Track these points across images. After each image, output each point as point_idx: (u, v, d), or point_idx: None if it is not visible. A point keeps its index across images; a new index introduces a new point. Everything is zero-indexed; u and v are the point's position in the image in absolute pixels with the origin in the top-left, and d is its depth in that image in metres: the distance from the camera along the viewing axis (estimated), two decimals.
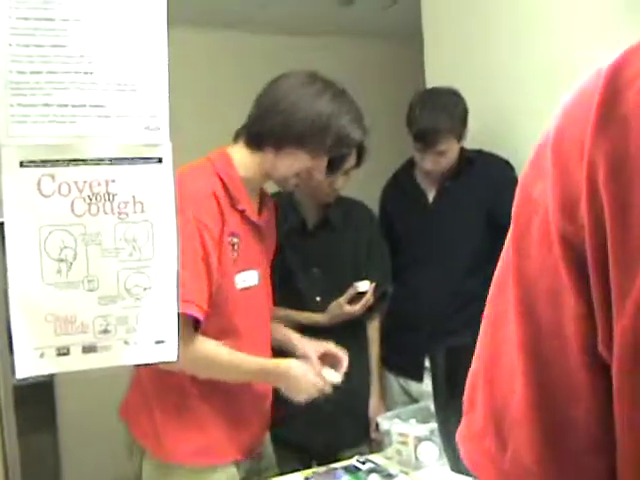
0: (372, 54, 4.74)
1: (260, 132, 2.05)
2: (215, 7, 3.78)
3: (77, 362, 1.52)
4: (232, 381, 2.06)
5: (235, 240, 2.04)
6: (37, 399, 1.44)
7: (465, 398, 0.72)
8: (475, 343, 2.03)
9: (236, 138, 2.15)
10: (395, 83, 4.46)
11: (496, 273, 0.70)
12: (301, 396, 2.10)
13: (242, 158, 2.09)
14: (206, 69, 3.87)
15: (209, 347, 1.98)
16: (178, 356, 1.54)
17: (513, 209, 0.67)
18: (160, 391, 2.06)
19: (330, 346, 2.33)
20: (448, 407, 1.97)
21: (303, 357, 2.26)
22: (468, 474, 2.09)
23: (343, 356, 2.30)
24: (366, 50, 4.73)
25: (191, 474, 2.05)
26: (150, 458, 2.08)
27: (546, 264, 0.62)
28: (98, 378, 2.00)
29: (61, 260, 1.48)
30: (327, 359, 2.30)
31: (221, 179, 2.05)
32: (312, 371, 2.13)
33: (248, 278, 2.10)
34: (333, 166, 2.46)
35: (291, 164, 2.06)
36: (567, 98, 0.65)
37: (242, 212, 2.06)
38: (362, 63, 4.66)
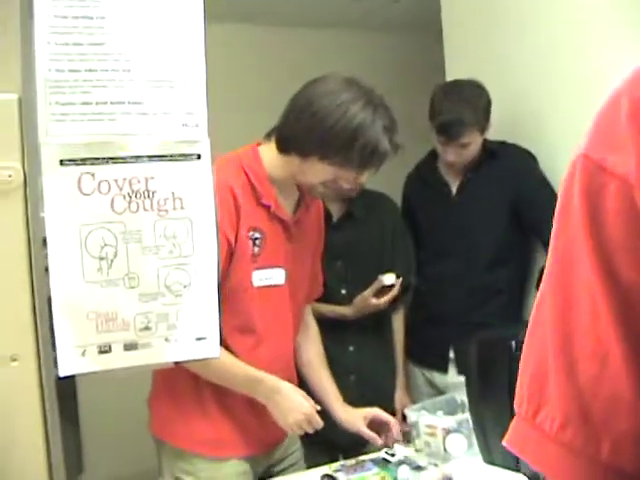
0: (387, 46, 4.73)
1: (287, 136, 2.00)
2: (232, 0, 3.77)
3: (118, 360, 1.52)
4: (220, 383, 2.01)
5: (257, 235, 2.01)
6: (59, 392, 1.45)
7: (528, 396, 0.68)
8: (506, 335, 1.99)
9: (268, 135, 2.12)
10: (412, 75, 4.45)
11: (551, 255, 0.69)
12: (288, 419, 2.00)
13: (271, 157, 2.06)
14: (224, 62, 3.85)
15: None
16: (219, 352, 1.54)
17: (578, 181, 0.65)
18: (174, 380, 2.06)
19: (377, 411, 2.26)
20: (481, 400, 1.97)
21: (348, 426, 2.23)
22: (501, 466, 2.07)
23: (391, 420, 2.25)
24: (380, 42, 4.71)
25: (204, 463, 2.05)
26: (167, 445, 2.09)
27: (631, 228, 0.61)
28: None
29: (102, 258, 1.48)
30: (374, 425, 2.24)
31: (246, 174, 2.04)
32: (305, 399, 2.02)
33: (272, 276, 2.06)
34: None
35: (316, 173, 1.99)
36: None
37: (268, 208, 2.05)
38: (376, 55, 4.65)
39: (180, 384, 2.05)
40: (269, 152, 2.07)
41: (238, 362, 2.00)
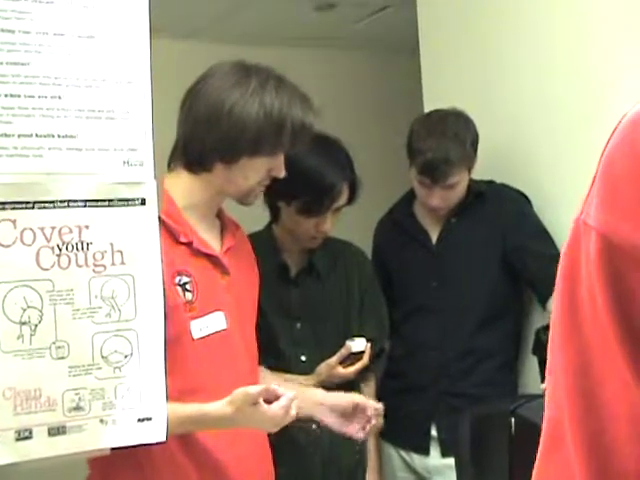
0: (354, 66, 4.76)
1: (202, 150, 2.03)
2: (178, 15, 3.78)
3: (41, 448, 1.47)
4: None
5: (185, 279, 2.01)
6: None
7: None
8: (503, 410, 1.99)
9: (170, 165, 2.14)
10: (383, 101, 4.47)
11: (564, 361, 0.66)
12: (268, 427, 2.00)
13: (181, 185, 2.08)
14: (173, 81, 3.87)
15: None
16: (167, 435, 1.50)
17: (595, 266, 0.62)
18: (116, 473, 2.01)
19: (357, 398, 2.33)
20: None
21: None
22: None
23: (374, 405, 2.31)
24: (347, 62, 4.75)
25: None
26: None
27: None
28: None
29: (23, 323, 1.44)
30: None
31: None
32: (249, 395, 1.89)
33: (212, 323, 2.05)
34: (321, 206, 2.45)
35: (248, 174, 2.07)
36: None
37: (189, 245, 2.04)
38: (345, 77, 4.68)
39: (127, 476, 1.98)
40: (175, 181, 2.09)
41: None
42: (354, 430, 2.28)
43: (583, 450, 0.63)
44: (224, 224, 2.21)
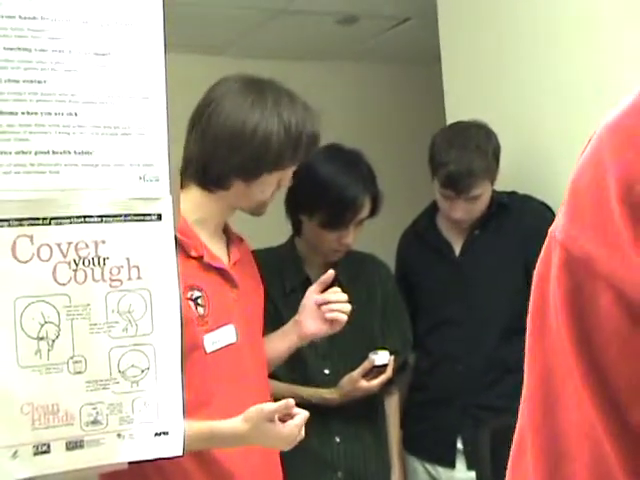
0: (378, 79, 4.77)
1: (224, 171, 2.05)
2: (201, 30, 3.80)
3: (59, 462, 1.47)
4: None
5: (197, 294, 2.01)
6: None
7: None
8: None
9: (182, 182, 2.14)
10: (406, 113, 4.47)
11: (529, 378, 0.65)
12: (280, 446, 1.97)
13: (193, 200, 2.09)
14: (196, 97, 3.91)
15: None
16: (184, 450, 1.50)
17: (556, 281, 0.60)
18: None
19: None
20: None
21: None
22: None
23: None
24: (370, 75, 4.75)
25: None
26: None
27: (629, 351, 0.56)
28: None
29: (41, 338, 1.44)
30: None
31: None
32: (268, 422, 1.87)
33: (223, 337, 2.05)
34: (343, 219, 2.45)
35: (265, 189, 2.11)
36: (626, 128, 0.60)
37: (200, 259, 2.04)
38: (367, 90, 4.68)
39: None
40: (185, 196, 2.09)
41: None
42: None
43: (541, 456, 0.62)
44: (229, 238, 2.22)
